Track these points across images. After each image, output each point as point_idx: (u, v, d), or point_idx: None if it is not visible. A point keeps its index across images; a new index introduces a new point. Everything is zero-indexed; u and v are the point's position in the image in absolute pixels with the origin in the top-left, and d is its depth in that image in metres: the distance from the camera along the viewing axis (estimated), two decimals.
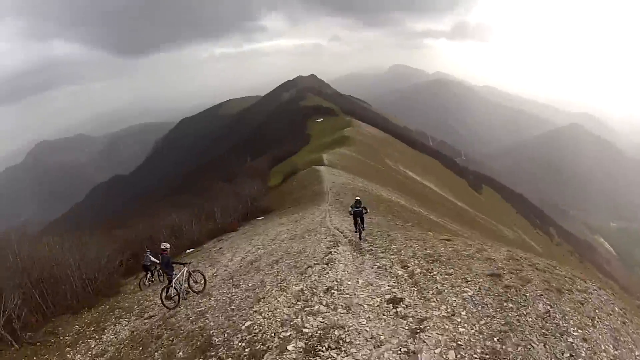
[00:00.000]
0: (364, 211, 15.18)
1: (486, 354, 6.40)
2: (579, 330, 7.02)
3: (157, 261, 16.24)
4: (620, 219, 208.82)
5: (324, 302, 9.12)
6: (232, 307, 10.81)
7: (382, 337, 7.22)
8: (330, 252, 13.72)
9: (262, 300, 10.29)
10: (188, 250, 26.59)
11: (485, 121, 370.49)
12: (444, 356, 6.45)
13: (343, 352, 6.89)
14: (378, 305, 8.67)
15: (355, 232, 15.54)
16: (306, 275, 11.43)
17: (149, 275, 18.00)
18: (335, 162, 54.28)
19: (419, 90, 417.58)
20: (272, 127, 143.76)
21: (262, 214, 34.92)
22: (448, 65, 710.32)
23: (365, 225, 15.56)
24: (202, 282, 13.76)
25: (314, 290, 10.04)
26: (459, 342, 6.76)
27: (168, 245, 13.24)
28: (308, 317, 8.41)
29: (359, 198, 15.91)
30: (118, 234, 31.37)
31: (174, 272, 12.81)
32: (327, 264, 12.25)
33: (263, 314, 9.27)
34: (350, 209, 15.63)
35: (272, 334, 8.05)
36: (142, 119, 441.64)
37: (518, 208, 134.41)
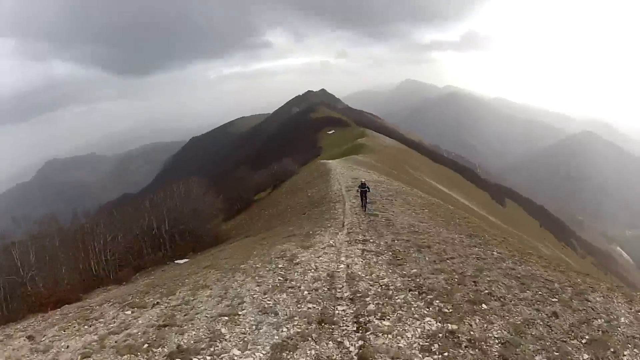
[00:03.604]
0: (367, 190, 17.88)
1: None
2: None
3: None
4: (636, 227, 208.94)
5: None
6: None
7: None
8: None
9: None
10: None
11: (499, 134, 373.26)
12: None
13: None
14: None
15: (362, 206, 17.99)
16: None
17: None
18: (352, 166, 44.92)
19: (431, 105, 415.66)
20: (280, 140, 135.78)
21: (200, 249, 22.27)
22: (457, 77, 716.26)
23: (369, 200, 18.18)
24: None
25: None
26: None
27: None
28: None
29: (363, 180, 18.67)
30: None
31: None
32: None
33: None
34: (357, 188, 18.39)
35: None
36: (154, 139, 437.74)
37: (542, 221, 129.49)
